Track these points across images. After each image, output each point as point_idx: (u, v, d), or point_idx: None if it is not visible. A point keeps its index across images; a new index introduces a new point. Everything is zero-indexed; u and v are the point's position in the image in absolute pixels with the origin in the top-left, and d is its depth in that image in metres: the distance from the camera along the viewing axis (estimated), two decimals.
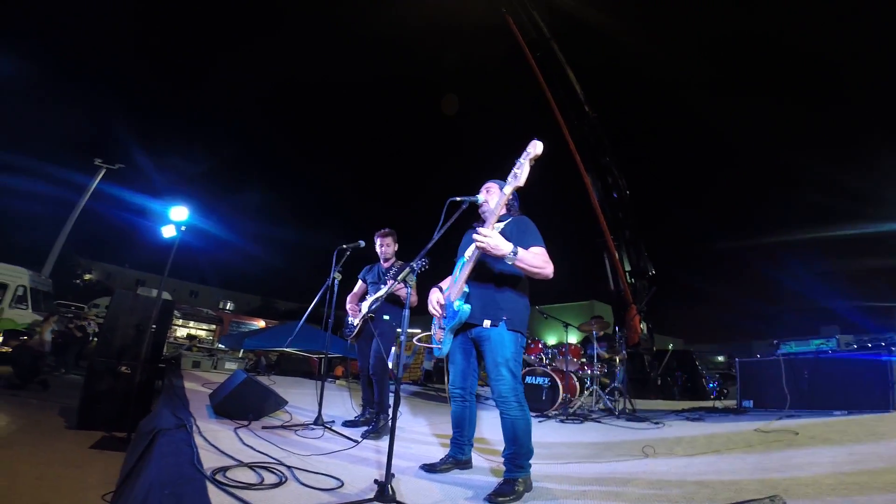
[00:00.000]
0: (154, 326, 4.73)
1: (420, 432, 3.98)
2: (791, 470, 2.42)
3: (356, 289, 4.18)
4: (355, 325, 3.97)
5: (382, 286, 3.84)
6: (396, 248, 4.08)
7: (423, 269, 2.36)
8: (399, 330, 3.99)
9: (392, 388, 3.08)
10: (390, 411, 3.36)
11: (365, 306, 3.91)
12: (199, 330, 17.61)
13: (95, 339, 10.52)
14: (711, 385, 10.00)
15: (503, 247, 2.10)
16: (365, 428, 3.58)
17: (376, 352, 3.72)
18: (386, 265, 4.01)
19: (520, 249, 2.14)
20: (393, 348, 4.05)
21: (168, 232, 5.02)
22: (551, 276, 2.24)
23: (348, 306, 4.11)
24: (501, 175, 2.30)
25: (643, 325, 11.39)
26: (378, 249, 4.04)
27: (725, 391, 9.43)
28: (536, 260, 2.20)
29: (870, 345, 4.42)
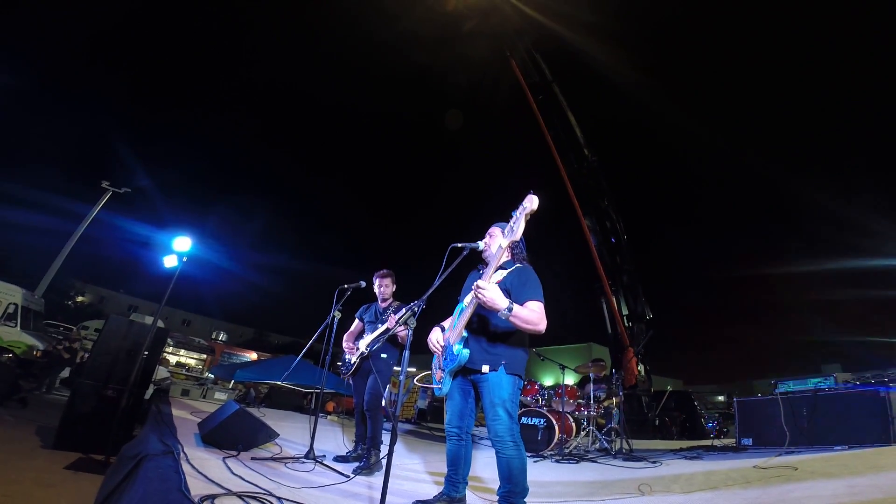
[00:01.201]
0: (146, 353, 4.67)
1: (413, 469, 3.89)
2: None
3: (353, 327, 4.26)
4: (352, 362, 4.01)
5: (380, 325, 3.93)
6: (394, 289, 4.17)
7: (421, 309, 2.40)
8: (397, 368, 4.00)
9: (388, 425, 3.04)
10: (383, 448, 3.31)
11: (363, 344, 3.98)
12: (190, 359, 17.25)
13: (82, 358, 10.34)
14: (710, 424, 9.82)
15: (500, 303, 2.15)
16: (357, 464, 3.50)
17: (372, 388, 3.74)
18: (383, 305, 4.10)
19: (515, 306, 2.17)
20: (388, 386, 4.05)
21: (170, 262, 5.05)
22: (543, 331, 2.27)
23: (345, 345, 4.18)
24: (504, 216, 2.29)
25: (640, 367, 11.21)
26: (377, 290, 4.13)
27: (724, 430, 9.24)
28: (531, 316, 2.21)
29: (872, 381, 4.38)
